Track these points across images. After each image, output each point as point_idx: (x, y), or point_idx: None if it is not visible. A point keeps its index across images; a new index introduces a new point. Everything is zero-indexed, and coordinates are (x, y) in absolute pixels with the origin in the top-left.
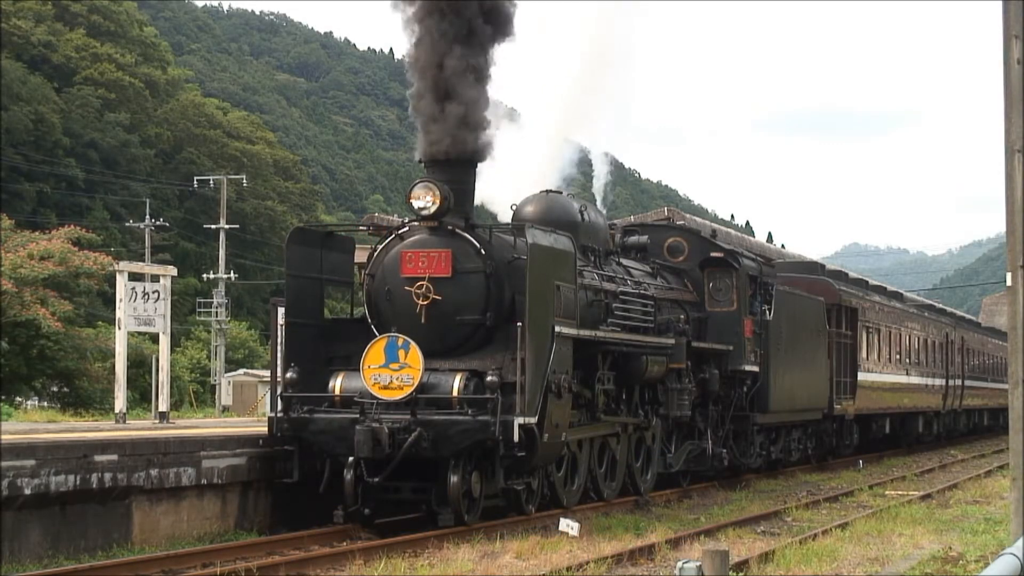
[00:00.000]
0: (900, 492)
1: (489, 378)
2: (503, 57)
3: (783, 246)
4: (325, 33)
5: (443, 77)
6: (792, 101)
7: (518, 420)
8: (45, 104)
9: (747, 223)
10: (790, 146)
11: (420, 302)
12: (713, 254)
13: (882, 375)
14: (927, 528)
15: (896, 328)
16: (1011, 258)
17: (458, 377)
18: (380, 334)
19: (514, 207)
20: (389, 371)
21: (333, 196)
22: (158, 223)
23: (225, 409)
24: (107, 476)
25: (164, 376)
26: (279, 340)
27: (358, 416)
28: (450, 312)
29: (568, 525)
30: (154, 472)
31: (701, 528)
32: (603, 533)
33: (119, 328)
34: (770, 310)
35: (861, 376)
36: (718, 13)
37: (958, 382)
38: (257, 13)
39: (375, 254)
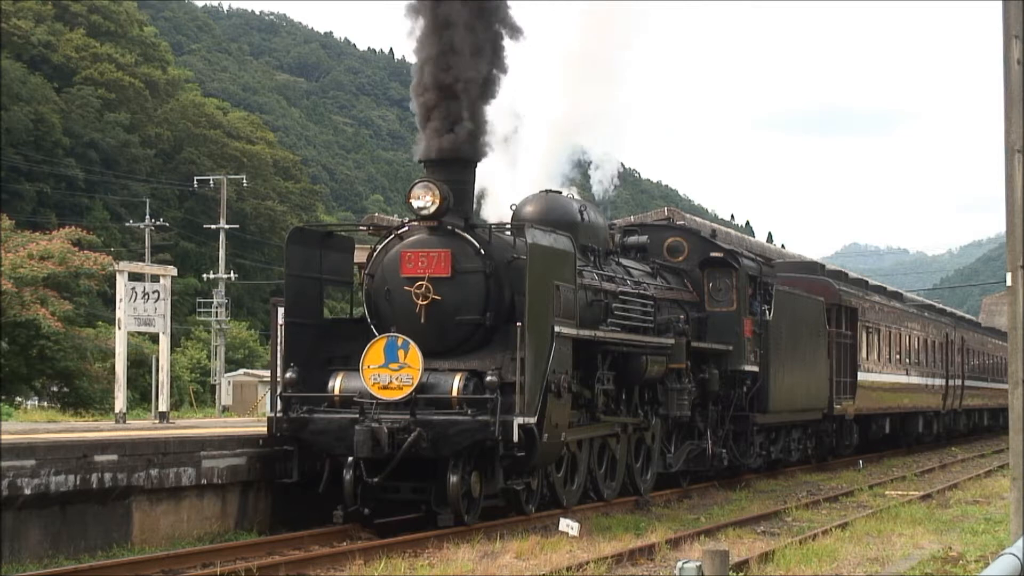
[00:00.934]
0: (900, 492)
1: (489, 378)
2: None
3: (783, 246)
4: (325, 33)
5: (444, 77)
6: (792, 101)
7: (518, 420)
8: (45, 104)
9: (747, 223)
10: (790, 146)
11: (420, 302)
12: (713, 254)
13: (882, 375)
14: (927, 528)
15: (896, 328)
16: (1011, 258)
17: (458, 377)
18: (380, 334)
19: (514, 207)
20: (388, 371)
21: (333, 196)
22: (158, 223)
23: (225, 409)
24: (107, 476)
25: (164, 376)
26: (279, 340)
27: (357, 416)
28: (450, 312)
29: (568, 525)
30: (154, 472)
31: (701, 528)
32: (603, 533)
33: (119, 328)
34: (770, 310)
35: (861, 376)
36: (718, 13)
37: (958, 382)
38: (257, 13)
39: (374, 254)
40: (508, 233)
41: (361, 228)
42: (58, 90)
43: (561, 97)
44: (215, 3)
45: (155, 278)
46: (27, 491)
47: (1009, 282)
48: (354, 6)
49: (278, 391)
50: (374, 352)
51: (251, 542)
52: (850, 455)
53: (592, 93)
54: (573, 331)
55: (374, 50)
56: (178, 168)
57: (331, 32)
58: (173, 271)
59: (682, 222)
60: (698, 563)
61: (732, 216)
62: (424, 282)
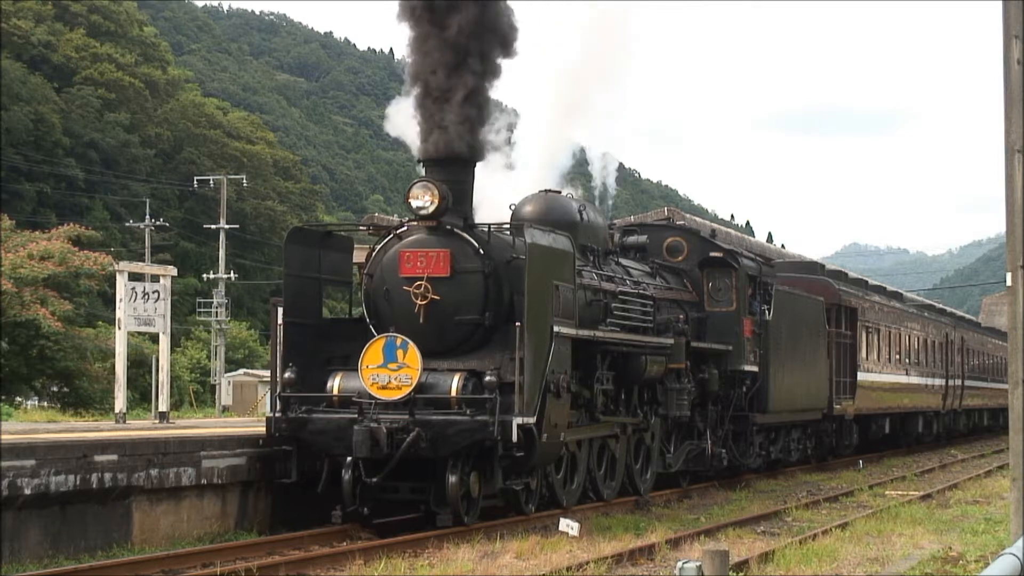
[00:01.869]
0: (900, 492)
1: (488, 378)
2: (503, 58)
3: (783, 246)
4: (325, 33)
5: (442, 76)
6: (793, 101)
7: (517, 420)
8: (45, 104)
9: (747, 223)
10: (790, 145)
11: (419, 302)
12: (712, 254)
13: (882, 375)
14: (927, 528)
15: (896, 328)
16: (1011, 258)
17: (456, 377)
18: (379, 334)
19: (513, 207)
20: (387, 371)
21: (333, 196)
22: (158, 223)
23: (225, 409)
24: (107, 476)
25: (164, 376)
26: (278, 340)
27: (356, 416)
28: (449, 312)
29: (568, 525)
30: (154, 472)
31: (701, 528)
32: (603, 533)
33: (119, 328)
34: (769, 310)
35: (861, 376)
36: (718, 12)
37: (958, 382)
38: (257, 13)
39: (373, 254)
40: (507, 233)
41: (360, 228)
42: (58, 90)
43: (561, 97)
44: (215, 3)
45: (155, 278)
46: (27, 491)
47: (1009, 282)
48: (354, 6)
49: (276, 391)
50: (373, 352)
51: (251, 542)
52: (850, 455)
53: (592, 93)
54: (572, 331)
55: (374, 50)
56: (178, 168)
57: (331, 32)
58: (173, 271)
59: (682, 222)
60: (698, 563)
61: (732, 216)
62: (423, 282)
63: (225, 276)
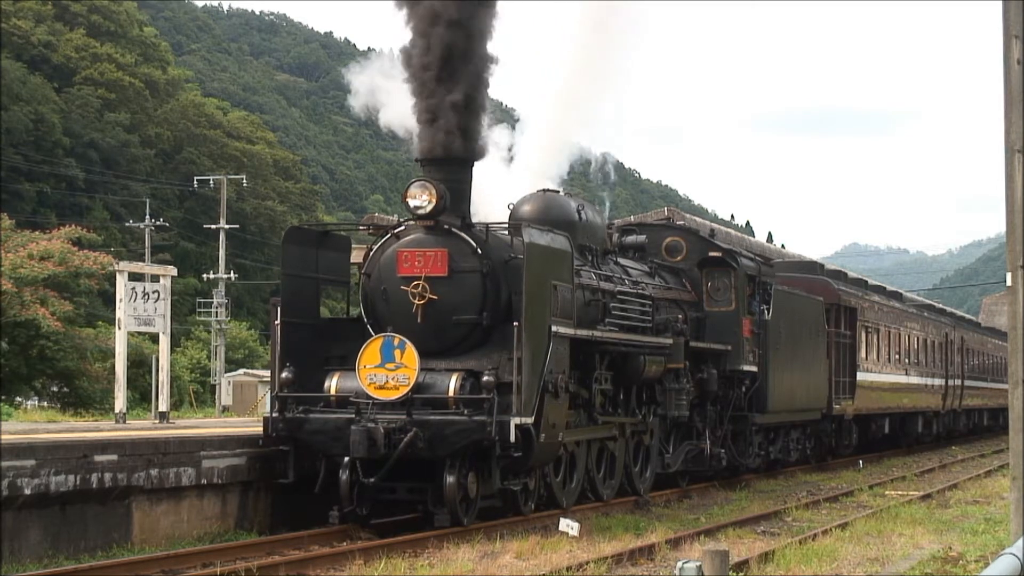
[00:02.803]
0: (900, 492)
1: (485, 378)
2: (502, 57)
3: (783, 246)
4: (325, 33)
5: (439, 75)
6: (792, 101)
7: (514, 420)
8: (45, 104)
9: (747, 223)
10: (790, 145)
11: (416, 301)
12: (711, 253)
13: (881, 375)
14: (927, 528)
15: (895, 328)
16: (1011, 258)
17: (454, 377)
18: (376, 334)
19: (511, 206)
20: (385, 371)
21: (333, 196)
22: (158, 223)
23: (225, 409)
24: (107, 476)
25: (164, 376)
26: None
27: (354, 416)
28: (446, 312)
29: (568, 525)
30: (154, 472)
31: (701, 528)
32: (603, 533)
33: (119, 328)
34: (769, 310)
35: (860, 376)
36: (719, 12)
37: (958, 382)
38: (257, 13)
39: (371, 253)
40: (505, 232)
41: (359, 228)
42: (58, 90)
43: (560, 96)
44: (215, 3)
45: (155, 278)
46: (27, 491)
47: (1009, 282)
48: (354, 6)
49: (268, 391)
50: (370, 352)
51: (251, 542)
52: (849, 455)
53: (592, 93)
54: (570, 331)
55: (374, 50)
56: (178, 168)
57: (331, 32)
58: (173, 271)
59: (682, 222)
60: (698, 563)
61: (732, 216)
62: (421, 281)
63: (225, 276)
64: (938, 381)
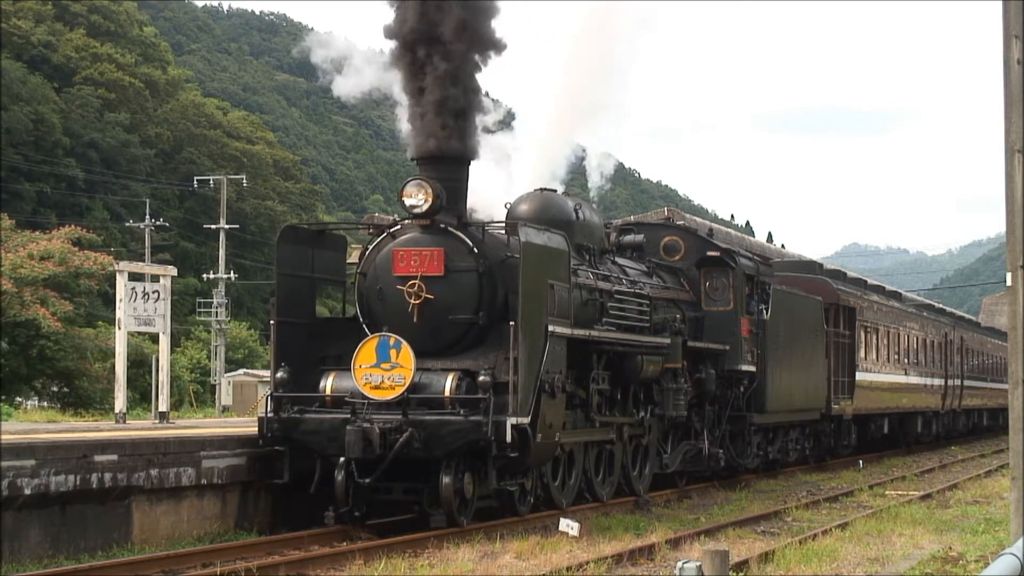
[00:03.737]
0: (900, 492)
1: (481, 378)
2: (501, 56)
3: (783, 246)
4: (325, 33)
5: (434, 74)
6: (792, 100)
7: (511, 420)
8: (45, 104)
9: (747, 223)
10: (790, 145)
11: (412, 301)
12: (709, 253)
13: (880, 375)
14: (927, 528)
15: (895, 328)
16: (1011, 258)
17: (450, 377)
18: (372, 333)
19: (508, 205)
20: (380, 371)
21: (333, 196)
22: (158, 223)
23: (225, 409)
24: (107, 476)
25: (164, 376)
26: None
27: (349, 416)
28: (442, 311)
29: (568, 525)
30: (154, 472)
31: (701, 528)
32: (603, 533)
33: (119, 328)
34: (767, 309)
35: (859, 376)
36: (719, 12)
37: (957, 382)
38: (257, 13)
39: (367, 252)
40: (502, 232)
41: (354, 227)
42: (58, 90)
43: (560, 95)
44: (215, 3)
45: (155, 278)
46: (27, 491)
47: (1009, 282)
48: (354, 6)
49: (268, 391)
50: (366, 352)
51: (251, 542)
52: (848, 455)
53: (592, 92)
54: (567, 330)
55: (374, 50)
56: (178, 168)
57: (331, 32)
58: (173, 271)
59: (682, 222)
60: (698, 563)
61: (732, 216)
62: (417, 281)
63: (225, 276)
64: (937, 381)
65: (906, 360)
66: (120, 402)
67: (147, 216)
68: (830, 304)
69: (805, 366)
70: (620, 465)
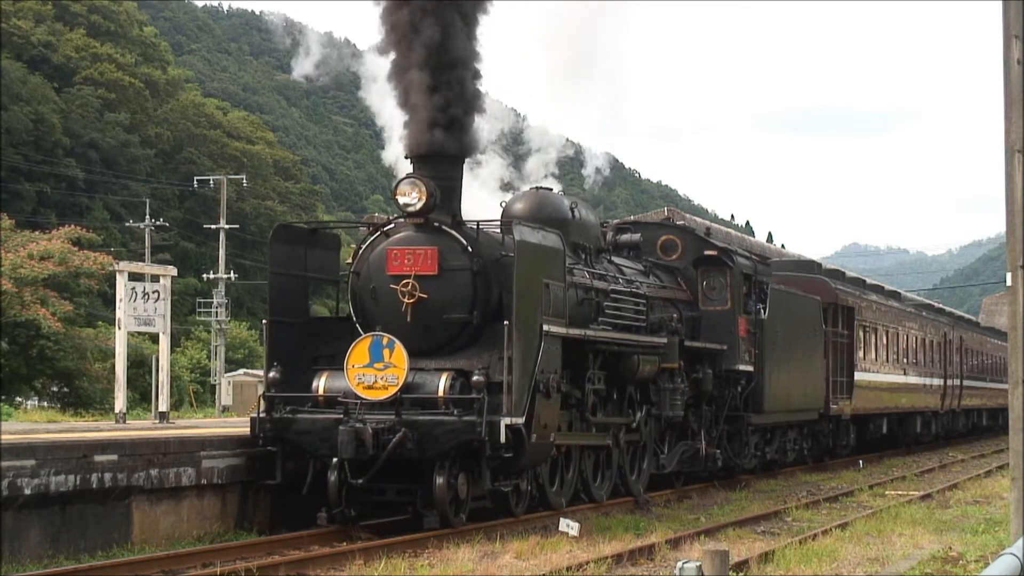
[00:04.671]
0: (900, 492)
1: (475, 378)
2: (500, 56)
3: (783, 246)
4: (325, 33)
5: (429, 72)
6: (792, 100)
7: (505, 420)
8: (45, 104)
9: (747, 223)
10: (790, 145)
11: (406, 300)
12: (707, 252)
13: (879, 375)
14: (927, 528)
15: (894, 328)
16: (1011, 258)
17: (444, 377)
18: (365, 333)
19: (503, 204)
20: (373, 370)
21: (333, 196)
22: (158, 223)
23: (225, 409)
24: (107, 476)
25: (164, 376)
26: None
27: (342, 416)
28: (436, 310)
29: (568, 525)
30: (154, 472)
31: (701, 528)
32: (603, 533)
33: (119, 328)
34: (765, 309)
35: (858, 376)
36: (719, 12)
37: (957, 382)
38: (257, 13)
39: (360, 251)
40: (497, 230)
41: (349, 225)
42: (58, 90)
43: (559, 95)
44: (215, 3)
45: (155, 278)
46: (27, 491)
47: (1009, 282)
48: (354, 6)
49: (260, 391)
50: (359, 351)
51: (251, 542)
52: (847, 455)
53: (592, 92)
54: (562, 330)
55: (374, 50)
56: (178, 168)
57: (331, 32)
58: (173, 271)
59: (682, 222)
60: (698, 563)
61: (732, 216)
62: (410, 280)
63: (225, 276)
64: (937, 381)
65: (905, 360)
66: (120, 402)
67: (147, 216)
68: (828, 304)
69: (803, 366)
70: (616, 466)
